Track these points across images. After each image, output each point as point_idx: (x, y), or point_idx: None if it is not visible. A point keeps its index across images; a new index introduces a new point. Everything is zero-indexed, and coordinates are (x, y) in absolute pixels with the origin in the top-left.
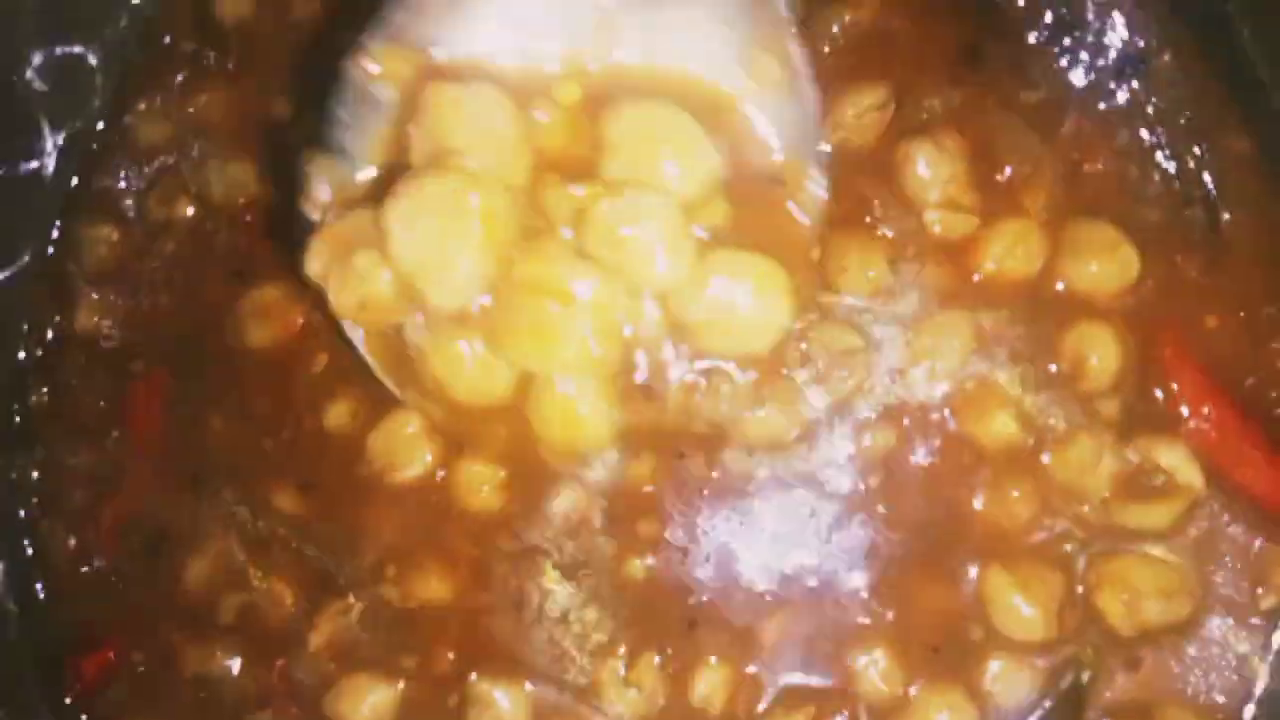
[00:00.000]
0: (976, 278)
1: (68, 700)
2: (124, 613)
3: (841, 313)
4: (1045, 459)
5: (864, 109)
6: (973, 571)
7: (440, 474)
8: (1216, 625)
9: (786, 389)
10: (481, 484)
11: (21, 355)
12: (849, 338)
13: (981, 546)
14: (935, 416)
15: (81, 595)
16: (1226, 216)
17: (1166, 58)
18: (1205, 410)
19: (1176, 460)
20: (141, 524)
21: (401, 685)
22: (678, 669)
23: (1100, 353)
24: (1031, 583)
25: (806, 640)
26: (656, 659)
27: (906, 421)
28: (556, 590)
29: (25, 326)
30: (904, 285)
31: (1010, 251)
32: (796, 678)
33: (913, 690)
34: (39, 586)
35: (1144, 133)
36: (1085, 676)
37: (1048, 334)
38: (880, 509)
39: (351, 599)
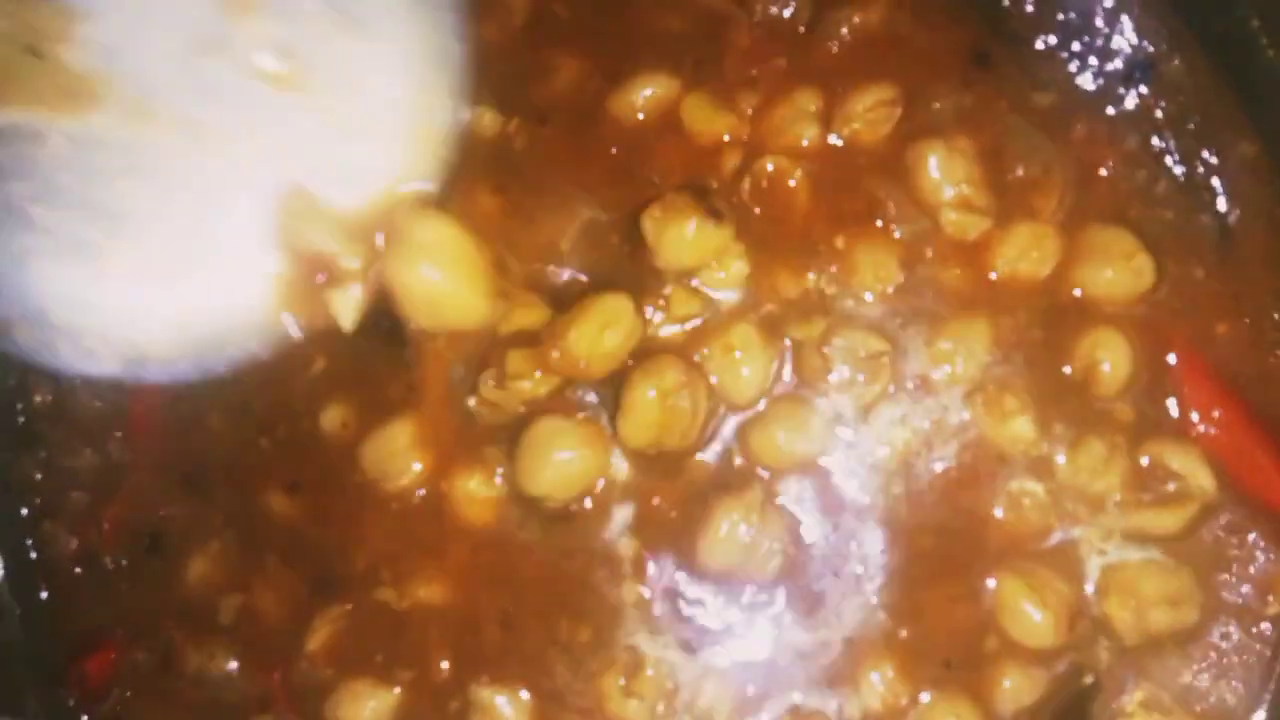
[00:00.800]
0: (992, 278)
1: (70, 703)
2: (126, 613)
3: (858, 317)
4: (1058, 463)
5: (873, 104)
6: (989, 582)
7: (430, 488)
8: (1224, 632)
9: (803, 400)
10: (475, 497)
11: None
12: (871, 342)
13: (996, 552)
14: (954, 421)
15: (84, 596)
16: (1236, 222)
17: (1175, 62)
18: (1215, 415)
19: (1188, 465)
20: (142, 524)
21: (400, 691)
22: (679, 683)
23: (1111, 358)
24: (1042, 588)
25: (814, 654)
26: (654, 670)
27: (926, 426)
28: (547, 609)
29: None
30: (919, 288)
31: (1024, 254)
32: (802, 692)
33: (921, 699)
34: (41, 588)
35: (1153, 138)
36: (1089, 680)
37: (1062, 338)
38: (897, 517)
39: (346, 603)
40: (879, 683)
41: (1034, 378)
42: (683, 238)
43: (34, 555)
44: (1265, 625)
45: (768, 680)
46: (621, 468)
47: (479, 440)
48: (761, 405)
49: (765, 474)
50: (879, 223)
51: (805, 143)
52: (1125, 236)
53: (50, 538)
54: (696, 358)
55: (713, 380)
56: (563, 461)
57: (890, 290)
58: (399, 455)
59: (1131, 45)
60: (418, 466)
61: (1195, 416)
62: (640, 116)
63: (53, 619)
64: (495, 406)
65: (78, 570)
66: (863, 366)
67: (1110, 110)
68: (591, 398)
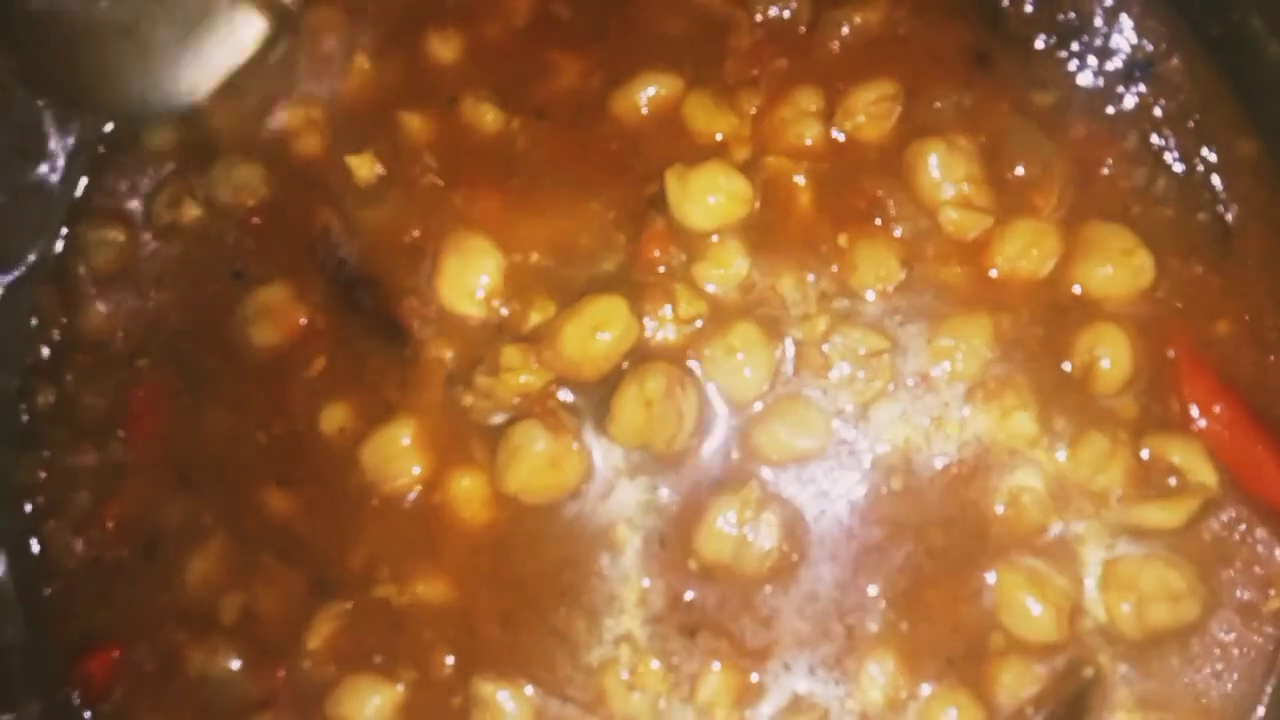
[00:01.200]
0: (993, 274)
1: (75, 701)
2: (129, 613)
3: (858, 315)
4: (1060, 458)
5: (876, 98)
6: (989, 577)
7: (428, 487)
8: (1225, 627)
9: (804, 398)
10: (471, 495)
11: (29, 357)
12: (871, 340)
13: (996, 547)
14: (955, 418)
15: (87, 595)
16: (1235, 219)
17: (1174, 61)
18: (1216, 411)
19: (1190, 460)
20: (143, 523)
21: (403, 688)
22: (680, 676)
23: (1111, 354)
24: (1043, 583)
25: (815, 647)
26: (656, 663)
27: (927, 423)
28: (547, 605)
29: (34, 322)
30: (919, 286)
31: (1024, 252)
32: (804, 685)
33: (922, 692)
34: (45, 587)
35: (1152, 136)
36: (1089, 674)
37: (1063, 335)
38: (898, 513)
39: (346, 601)
40: (880, 675)
41: (1035, 374)
42: (708, 187)
43: (38, 555)
44: (1266, 620)
45: (769, 672)
46: (618, 463)
47: (471, 437)
48: (762, 404)
49: (765, 470)
50: (879, 221)
51: (808, 141)
52: (1124, 233)
53: (53, 537)
54: (695, 362)
55: (710, 385)
56: (533, 466)
57: (891, 288)
58: (398, 457)
59: (1131, 44)
60: (416, 470)
61: (1196, 412)
62: (644, 112)
63: (56, 619)
64: (488, 399)
65: (81, 570)
66: (863, 364)
67: (1110, 109)
68: (582, 400)
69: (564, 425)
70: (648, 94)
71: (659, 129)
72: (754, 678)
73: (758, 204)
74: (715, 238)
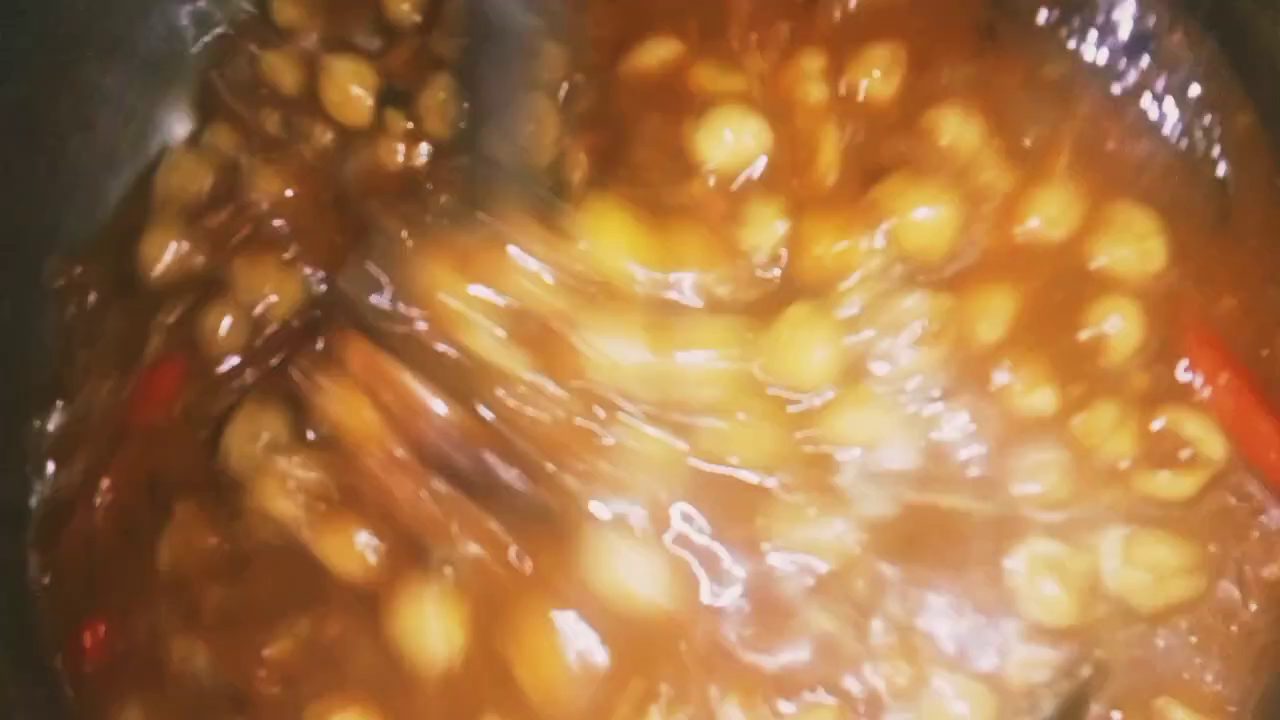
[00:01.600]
0: (1010, 244)
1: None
2: (114, 598)
3: (888, 288)
4: (1074, 429)
5: (881, 60)
6: (1008, 561)
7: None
8: (1231, 600)
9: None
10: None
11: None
12: (907, 313)
13: (1016, 528)
14: (976, 389)
15: (77, 576)
16: (1236, 193)
17: (1177, 35)
18: (1222, 382)
19: (1200, 432)
20: (125, 511)
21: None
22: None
23: (1120, 327)
24: (1060, 564)
25: (824, 646)
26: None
27: (949, 396)
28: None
29: None
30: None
31: (1040, 221)
32: (812, 682)
33: (934, 678)
34: (37, 567)
35: (1155, 110)
36: (1101, 654)
37: (1078, 305)
38: (926, 498)
39: (334, 608)
40: (895, 663)
41: (1052, 343)
42: (723, 122)
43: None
44: (1270, 593)
45: (784, 663)
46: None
47: None
48: (819, 393)
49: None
50: (893, 189)
51: (813, 103)
52: (1140, 211)
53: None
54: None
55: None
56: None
57: (913, 260)
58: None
59: (1133, 18)
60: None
61: (1202, 385)
62: (654, 69)
63: (48, 598)
64: None
65: (69, 551)
66: (899, 337)
67: (1113, 83)
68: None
69: None
70: (657, 55)
71: (669, 92)
72: (768, 674)
73: (775, 145)
74: (742, 179)
